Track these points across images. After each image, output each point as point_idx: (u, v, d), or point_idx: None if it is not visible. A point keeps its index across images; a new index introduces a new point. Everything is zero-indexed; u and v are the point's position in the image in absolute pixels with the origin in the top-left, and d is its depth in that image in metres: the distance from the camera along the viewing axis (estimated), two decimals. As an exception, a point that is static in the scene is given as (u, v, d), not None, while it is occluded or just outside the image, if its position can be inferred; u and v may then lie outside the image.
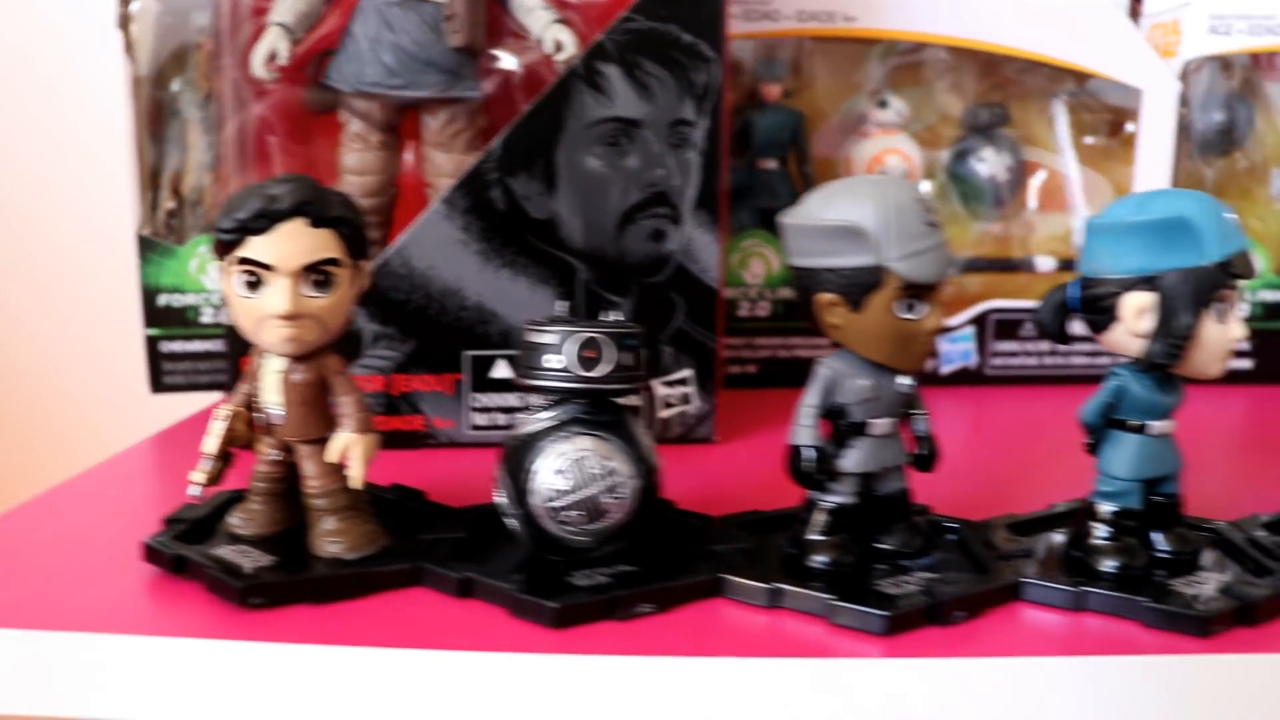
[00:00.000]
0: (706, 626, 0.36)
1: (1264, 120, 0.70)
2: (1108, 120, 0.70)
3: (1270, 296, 0.70)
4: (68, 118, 0.86)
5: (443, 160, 0.55)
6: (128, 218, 0.63)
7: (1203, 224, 0.37)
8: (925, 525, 0.41)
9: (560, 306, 0.42)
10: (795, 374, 0.67)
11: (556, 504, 0.38)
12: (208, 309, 0.63)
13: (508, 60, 0.54)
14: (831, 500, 0.39)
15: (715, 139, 0.53)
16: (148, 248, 0.62)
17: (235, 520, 0.41)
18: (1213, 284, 0.37)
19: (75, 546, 0.42)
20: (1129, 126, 0.69)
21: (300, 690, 0.35)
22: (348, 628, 0.36)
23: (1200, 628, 0.35)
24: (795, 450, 0.39)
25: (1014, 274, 0.70)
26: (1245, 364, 0.70)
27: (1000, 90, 0.70)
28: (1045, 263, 0.70)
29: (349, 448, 0.39)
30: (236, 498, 0.43)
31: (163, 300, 0.62)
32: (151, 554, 0.39)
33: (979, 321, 0.68)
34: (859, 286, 0.37)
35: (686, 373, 0.55)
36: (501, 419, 0.54)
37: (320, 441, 0.40)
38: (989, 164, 0.68)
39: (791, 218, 0.38)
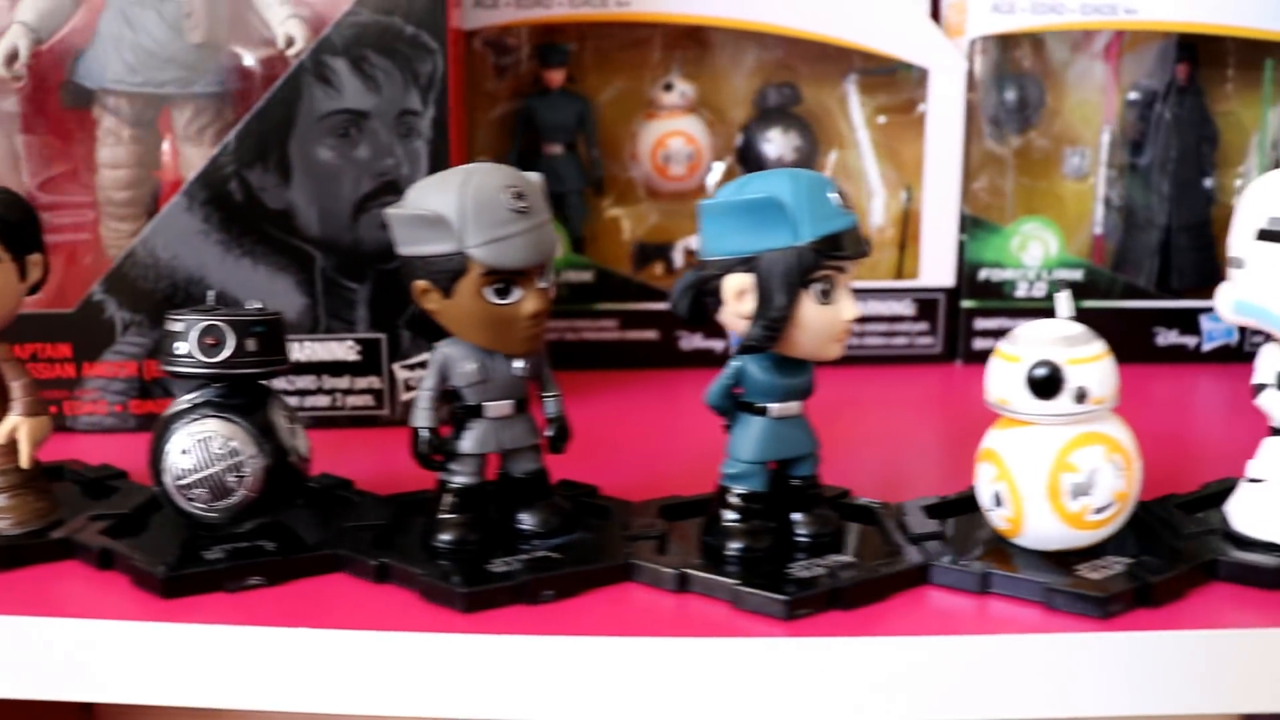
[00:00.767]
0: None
1: (1056, 98, 0.71)
2: (904, 100, 0.71)
3: (1065, 276, 0.70)
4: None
5: (193, 153, 0.57)
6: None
7: (796, 204, 0.37)
8: (567, 505, 0.43)
9: (210, 296, 0.44)
10: (582, 356, 0.69)
11: (184, 482, 0.40)
12: None
13: (248, 56, 0.56)
14: (458, 481, 0.41)
15: (442, 128, 0.55)
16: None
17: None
18: (807, 264, 0.37)
19: None
20: (921, 107, 0.70)
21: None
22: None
23: (785, 610, 0.36)
24: (414, 432, 0.40)
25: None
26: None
27: (790, 70, 0.70)
28: (837, 243, 0.71)
29: (16, 429, 0.42)
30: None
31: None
32: None
33: (768, 302, 0.69)
34: (445, 273, 0.38)
35: (426, 356, 0.57)
36: (249, 402, 0.56)
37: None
38: (775, 145, 0.69)
39: (390, 208, 0.39)
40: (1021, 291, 0.70)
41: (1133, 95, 0.71)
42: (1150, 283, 0.70)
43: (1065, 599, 0.37)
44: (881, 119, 0.71)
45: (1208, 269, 0.71)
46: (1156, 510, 0.43)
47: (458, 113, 0.56)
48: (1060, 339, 0.39)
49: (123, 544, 0.41)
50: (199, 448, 0.40)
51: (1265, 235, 0.40)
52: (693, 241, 0.70)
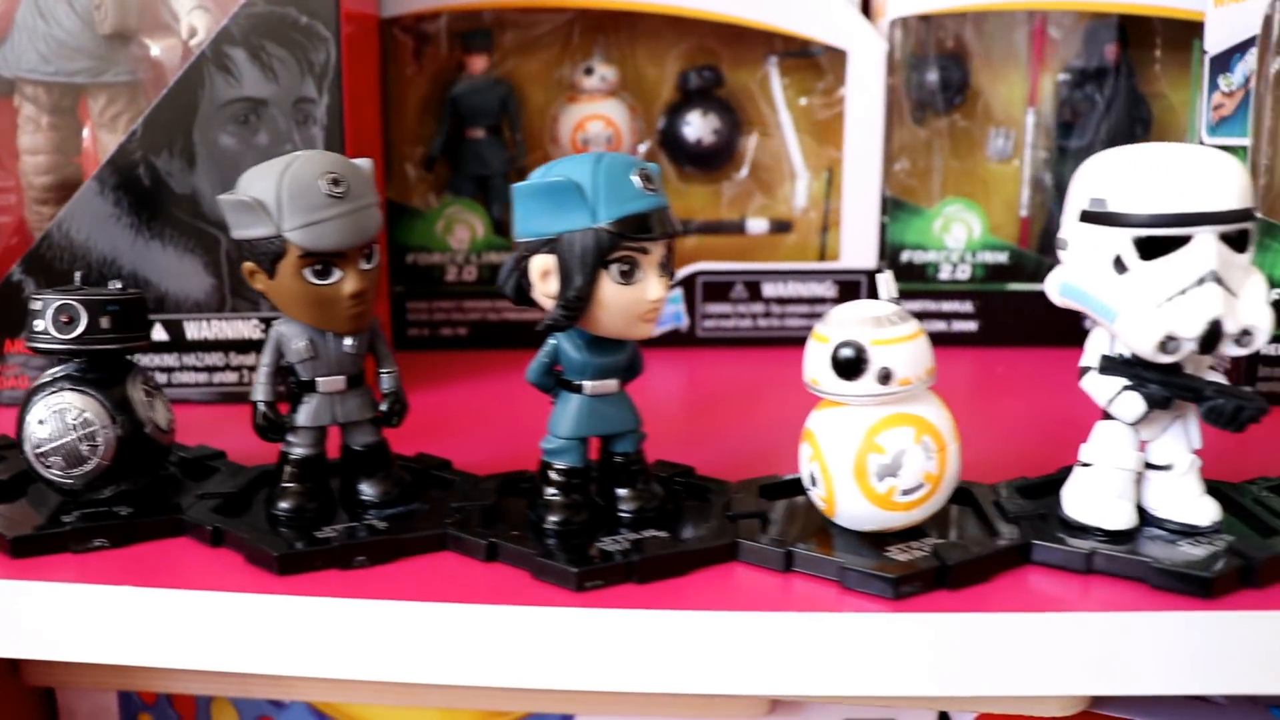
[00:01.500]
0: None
1: (980, 79, 0.70)
2: (826, 82, 0.71)
3: (990, 258, 0.70)
4: None
5: (109, 140, 0.59)
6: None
7: (593, 186, 0.38)
8: (407, 477, 0.45)
9: (77, 277, 0.46)
10: (505, 336, 0.71)
11: (41, 450, 0.43)
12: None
13: (156, 47, 0.58)
14: (296, 452, 0.43)
15: (337, 115, 0.57)
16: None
17: None
18: (604, 245, 0.38)
19: None
20: (842, 90, 0.70)
21: None
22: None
23: (574, 582, 0.37)
24: (253, 406, 0.42)
25: (726, 236, 0.72)
26: (970, 326, 0.70)
27: (712, 54, 0.71)
28: (757, 225, 0.71)
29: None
30: None
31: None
32: None
33: (688, 284, 0.70)
34: (267, 255, 0.40)
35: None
36: (161, 377, 0.59)
37: None
38: (695, 128, 0.70)
39: (222, 195, 0.41)
40: (945, 274, 0.70)
41: (1062, 76, 0.71)
42: (1075, 265, 0.70)
43: (858, 578, 0.38)
44: (803, 101, 0.71)
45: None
46: (1002, 493, 0.43)
47: (353, 99, 0.58)
48: (869, 319, 0.39)
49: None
50: (55, 418, 0.43)
51: (1086, 217, 0.40)
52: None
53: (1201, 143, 0.65)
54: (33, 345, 0.43)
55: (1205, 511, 0.41)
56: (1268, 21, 0.55)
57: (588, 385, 0.41)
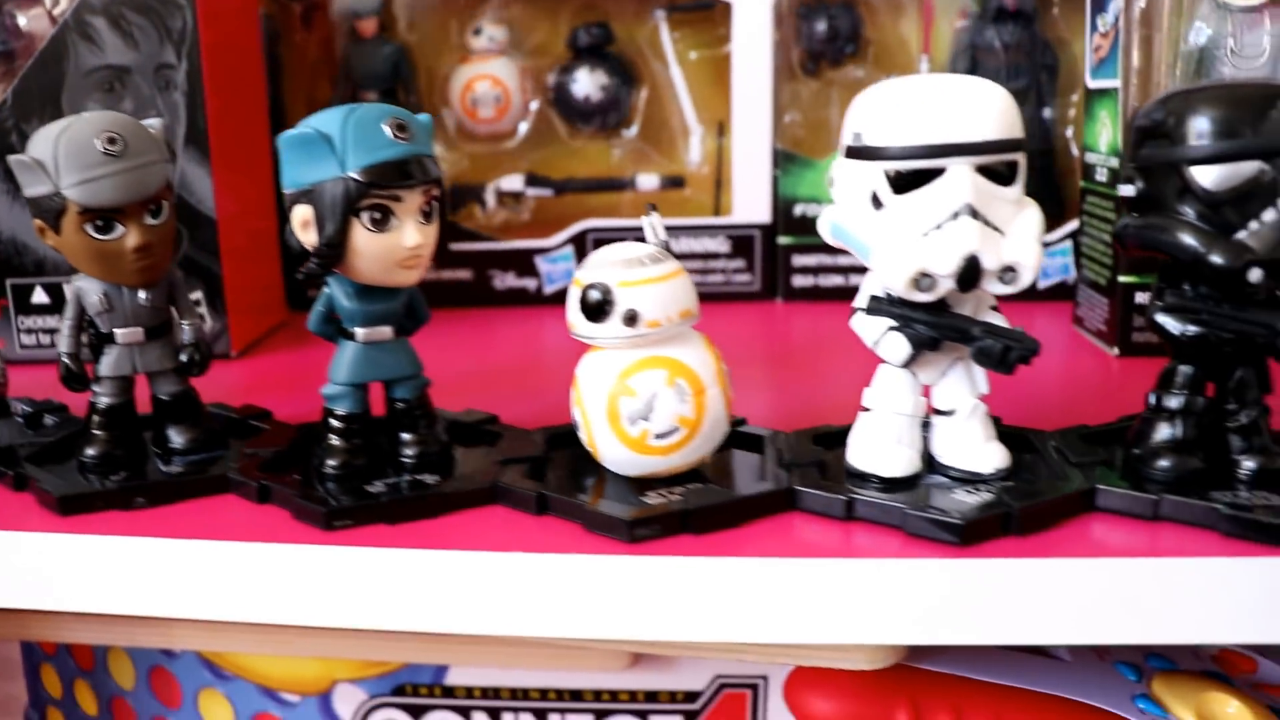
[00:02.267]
0: None
1: (873, 29, 0.69)
2: (715, 36, 0.71)
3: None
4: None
5: (-11, 110, 0.62)
6: None
7: (341, 137, 0.39)
8: (215, 425, 0.46)
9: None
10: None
11: None
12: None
13: (24, 17, 0.60)
14: (102, 402, 0.44)
15: (196, 80, 0.58)
16: None
17: None
18: (352, 194, 0.38)
19: None
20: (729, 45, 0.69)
21: None
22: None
23: (325, 522, 0.38)
24: (60, 358, 0.44)
25: (616, 193, 0.72)
26: (867, 276, 0.69)
27: (601, 10, 0.71)
28: (648, 180, 0.71)
29: None
30: None
31: None
32: None
33: (579, 241, 0.70)
34: (50, 212, 0.41)
35: (196, 295, 0.61)
36: (45, 339, 0.61)
37: None
38: (582, 84, 0.70)
39: (9, 156, 0.42)
40: (840, 226, 0.69)
41: (961, 23, 0.69)
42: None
43: (596, 520, 0.37)
44: (694, 55, 0.71)
45: (1050, 201, 0.69)
46: (790, 443, 0.43)
47: (216, 66, 0.59)
48: (620, 262, 0.39)
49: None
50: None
51: (850, 153, 0.39)
52: (504, 183, 0.72)
53: (1086, 87, 0.64)
54: None
55: (989, 458, 0.40)
56: (1124, -44, 0.54)
57: (360, 332, 0.42)
